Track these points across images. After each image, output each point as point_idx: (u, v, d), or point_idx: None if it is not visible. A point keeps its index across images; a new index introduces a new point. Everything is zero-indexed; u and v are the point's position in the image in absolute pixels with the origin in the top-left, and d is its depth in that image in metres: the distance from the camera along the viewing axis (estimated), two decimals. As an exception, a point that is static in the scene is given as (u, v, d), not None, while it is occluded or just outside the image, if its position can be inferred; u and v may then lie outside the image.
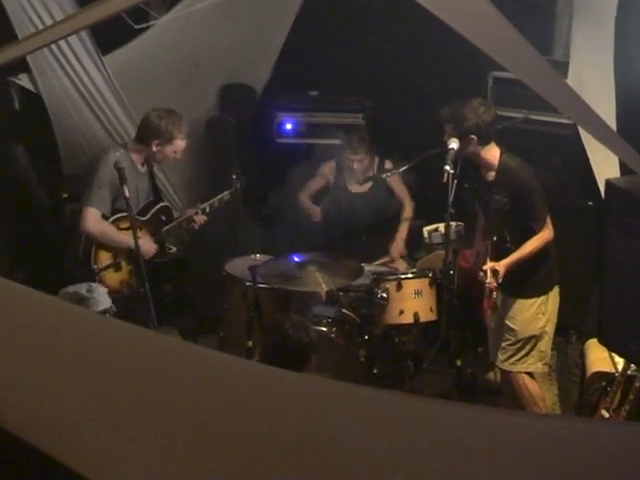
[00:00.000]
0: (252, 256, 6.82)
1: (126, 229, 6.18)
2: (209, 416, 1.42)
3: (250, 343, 5.93)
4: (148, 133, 6.28)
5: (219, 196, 6.75)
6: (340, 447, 1.37)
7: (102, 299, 5.22)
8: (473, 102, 5.77)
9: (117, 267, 6.23)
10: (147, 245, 6.34)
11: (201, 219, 6.61)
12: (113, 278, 6.19)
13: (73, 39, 6.89)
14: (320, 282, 6.10)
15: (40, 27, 6.55)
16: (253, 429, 1.40)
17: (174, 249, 6.63)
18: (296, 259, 6.28)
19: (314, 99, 8.44)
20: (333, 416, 1.42)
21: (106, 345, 1.55)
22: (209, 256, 7.77)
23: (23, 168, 7.24)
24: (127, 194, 5.80)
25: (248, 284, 6.24)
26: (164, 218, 6.54)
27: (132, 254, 6.14)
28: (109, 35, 7.02)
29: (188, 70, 8.02)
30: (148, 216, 6.46)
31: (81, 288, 5.23)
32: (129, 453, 1.37)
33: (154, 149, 6.26)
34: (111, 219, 6.18)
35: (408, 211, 7.67)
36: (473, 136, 5.71)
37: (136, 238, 5.85)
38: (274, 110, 8.40)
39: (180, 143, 6.33)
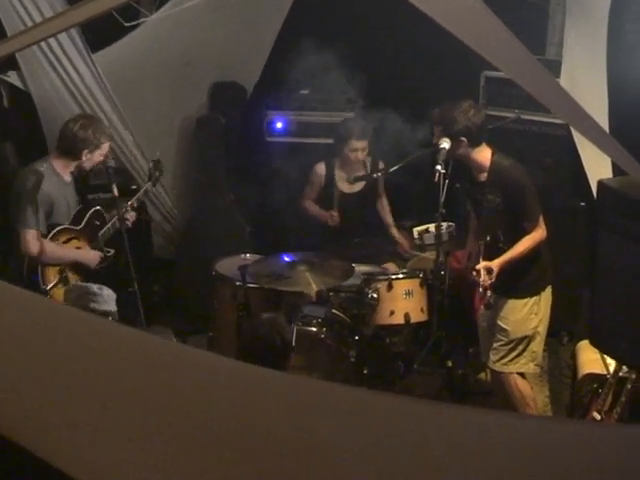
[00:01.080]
0: (242, 255, 6.82)
1: (65, 242, 6.20)
2: (204, 418, 1.42)
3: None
4: (76, 145, 6.18)
5: (142, 190, 6.80)
6: (330, 448, 1.37)
7: (109, 300, 5.20)
8: (463, 104, 5.78)
9: (65, 282, 6.15)
10: (89, 255, 6.33)
11: (132, 216, 6.59)
12: (62, 293, 6.08)
13: (62, 36, 6.88)
14: (310, 282, 6.10)
15: (29, 24, 6.54)
16: (245, 430, 1.40)
17: (112, 252, 6.52)
18: (286, 259, 6.28)
19: (305, 98, 8.42)
20: (323, 417, 1.42)
21: (103, 347, 1.55)
22: (199, 255, 7.76)
23: (11, 166, 7.22)
24: (116, 194, 5.83)
25: (238, 284, 6.24)
26: (98, 223, 6.46)
27: (77, 266, 6.19)
28: (99, 33, 7.01)
29: (179, 68, 8.02)
30: (82, 224, 6.37)
31: (93, 286, 5.27)
32: (125, 456, 1.37)
33: (84, 158, 6.20)
34: (49, 236, 6.10)
35: (389, 216, 7.71)
36: (463, 138, 5.72)
37: (123, 229, 5.85)
38: (265, 108, 8.38)
39: (106, 146, 6.29)
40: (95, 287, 5.19)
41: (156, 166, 6.86)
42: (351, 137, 7.34)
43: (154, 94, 7.85)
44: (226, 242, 7.80)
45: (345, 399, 1.46)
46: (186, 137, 8.42)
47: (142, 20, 7.47)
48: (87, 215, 6.41)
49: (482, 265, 5.66)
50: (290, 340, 4.93)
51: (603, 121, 6.39)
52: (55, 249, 6.12)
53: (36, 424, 1.41)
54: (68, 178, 6.32)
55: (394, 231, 7.67)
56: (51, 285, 6.07)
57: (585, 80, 6.74)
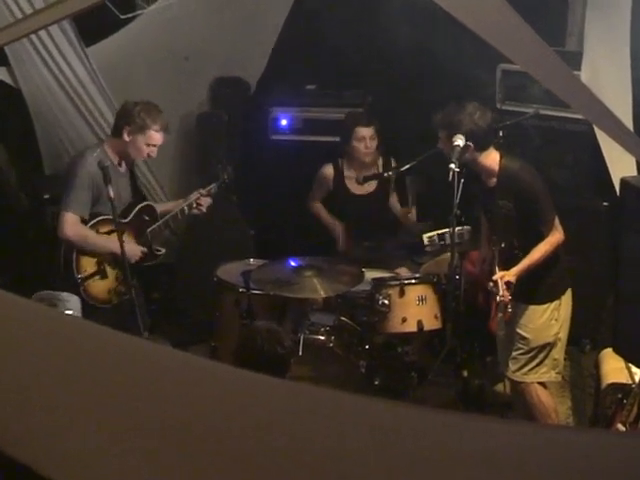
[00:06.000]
0: (245, 260, 6.81)
1: (107, 233, 6.15)
2: (203, 426, 1.43)
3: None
4: (121, 120, 6.22)
5: (214, 184, 6.75)
6: (333, 457, 1.38)
7: (74, 305, 5.26)
8: (468, 106, 5.74)
9: (103, 275, 6.18)
10: (131, 248, 6.25)
11: (206, 201, 6.61)
12: (100, 287, 6.15)
13: (54, 29, 6.89)
14: (318, 288, 6.10)
15: (19, 16, 6.55)
16: (245, 439, 1.41)
17: (163, 251, 6.59)
18: (292, 264, 6.28)
19: (311, 93, 8.42)
20: (326, 425, 1.43)
21: (97, 353, 1.56)
22: (199, 260, 7.76)
23: (1, 167, 7.23)
24: (112, 194, 5.78)
25: (241, 290, 6.25)
26: (147, 218, 6.47)
27: (117, 259, 6.10)
28: (93, 25, 7.02)
29: (178, 63, 8.03)
30: (130, 217, 6.37)
31: (58, 294, 5.33)
32: (117, 463, 1.38)
33: (126, 138, 6.15)
34: (90, 223, 6.10)
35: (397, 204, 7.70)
36: (469, 143, 5.69)
37: (121, 241, 5.80)
38: (269, 105, 8.38)
39: (154, 135, 6.21)
40: (63, 295, 5.27)
41: (225, 168, 6.88)
42: (357, 124, 7.29)
43: (152, 90, 7.83)
44: (228, 246, 7.80)
45: (350, 407, 1.47)
46: (186, 135, 8.43)
47: (139, 12, 7.49)
48: (136, 209, 6.43)
49: (499, 276, 5.63)
50: (289, 346, 4.92)
51: (627, 116, 6.39)
52: (91, 236, 6.09)
53: (24, 430, 1.42)
54: (123, 169, 6.35)
55: (397, 207, 7.67)
56: (85, 275, 6.08)
57: (607, 73, 6.73)
